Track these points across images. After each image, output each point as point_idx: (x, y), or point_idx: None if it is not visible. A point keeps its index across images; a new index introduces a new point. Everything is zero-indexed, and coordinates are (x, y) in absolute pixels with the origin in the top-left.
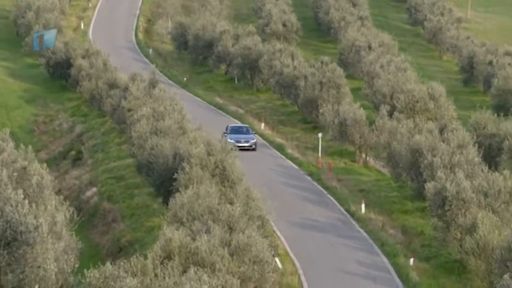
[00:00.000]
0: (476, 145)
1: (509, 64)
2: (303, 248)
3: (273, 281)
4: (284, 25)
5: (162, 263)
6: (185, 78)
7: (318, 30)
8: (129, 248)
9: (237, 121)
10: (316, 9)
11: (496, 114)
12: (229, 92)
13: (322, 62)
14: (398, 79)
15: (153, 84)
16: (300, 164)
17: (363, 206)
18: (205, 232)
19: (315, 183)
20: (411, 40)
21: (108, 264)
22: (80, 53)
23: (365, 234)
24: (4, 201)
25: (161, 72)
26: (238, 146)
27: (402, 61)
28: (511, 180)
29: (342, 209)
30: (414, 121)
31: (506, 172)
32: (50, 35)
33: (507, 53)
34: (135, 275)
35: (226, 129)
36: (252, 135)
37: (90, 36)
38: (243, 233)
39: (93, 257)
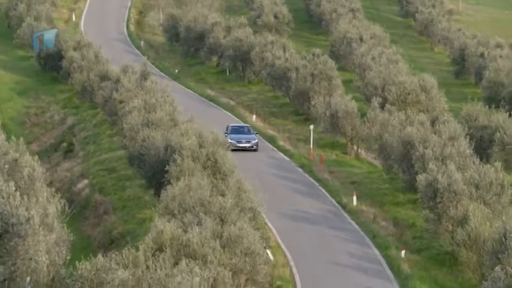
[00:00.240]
0: (468, 137)
1: (500, 56)
2: (294, 240)
3: (264, 273)
4: (276, 17)
5: (153, 255)
6: (176, 70)
7: (310, 22)
8: (121, 240)
9: (228, 113)
10: (308, 1)
11: (487, 106)
12: (220, 83)
13: (313, 54)
14: (390, 71)
15: (144, 76)
16: (291, 156)
17: (355, 198)
18: (197, 224)
19: (307, 175)
20: (402, 32)
21: (99, 256)
22: (72, 45)
23: (356, 226)
24: None
25: (153, 64)
26: (239, 147)
27: (394, 53)
28: (502, 172)
29: (333, 201)
30: (406, 113)
31: (498, 164)
32: (50, 35)
33: (498, 45)
34: (127, 267)
35: (227, 129)
36: (253, 135)
37: (82, 28)
38: (235, 225)
39: (84, 249)
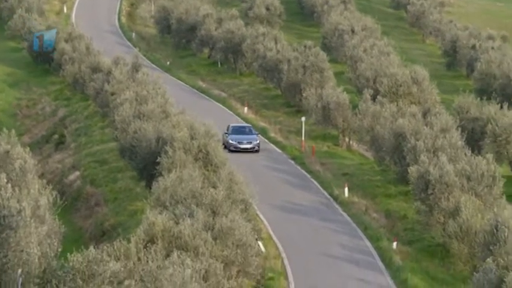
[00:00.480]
0: (460, 129)
1: (492, 48)
2: (286, 231)
3: (256, 265)
4: (267, 9)
5: (145, 246)
6: (168, 62)
7: (301, 14)
8: (112, 231)
9: (219, 104)
10: None
11: (479, 98)
12: (212, 75)
13: (305, 46)
14: (382, 63)
15: (136, 68)
16: (283, 147)
17: (346, 189)
18: (189, 216)
19: (298, 167)
20: (394, 24)
21: (91, 248)
22: (63, 37)
23: (348, 218)
24: None
25: (144, 56)
26: (241, 148)
27: (385, 45)
28: (493, 163)
29: (325, 192)
30: (397, 105)
31: (489, 156)
32: (50, 35)
33: (490, 37)
34: (118, 259)
35: (228, 129)
36: (255, 136)
37: (73, 20)
38: (226, 216)
39: (76, 241)
